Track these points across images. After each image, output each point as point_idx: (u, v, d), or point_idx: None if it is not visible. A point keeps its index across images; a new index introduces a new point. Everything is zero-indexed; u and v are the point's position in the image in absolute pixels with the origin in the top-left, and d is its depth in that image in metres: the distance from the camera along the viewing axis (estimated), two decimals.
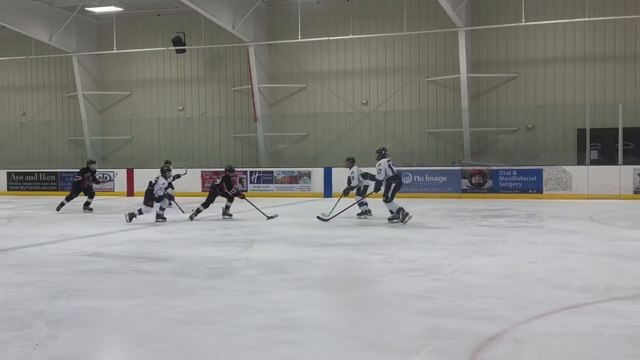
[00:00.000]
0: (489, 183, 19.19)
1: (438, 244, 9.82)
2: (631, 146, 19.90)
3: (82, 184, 16.37)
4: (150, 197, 13.31)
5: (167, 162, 15.73)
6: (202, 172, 22.05)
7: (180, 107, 25.75)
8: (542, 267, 7.73)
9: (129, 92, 26.36)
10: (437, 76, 22.44)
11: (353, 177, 13.67)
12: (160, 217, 13.47)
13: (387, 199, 12.52)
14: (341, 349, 4.60)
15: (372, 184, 13.29)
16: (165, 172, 13.74)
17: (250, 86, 23.84)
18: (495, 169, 19.46)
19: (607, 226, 12.18)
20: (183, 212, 14.10)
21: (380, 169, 12.53)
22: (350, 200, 13.84)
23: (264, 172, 21.42)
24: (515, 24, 20.66)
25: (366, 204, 13.80)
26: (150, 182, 13.53)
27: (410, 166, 20.70)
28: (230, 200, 14.02)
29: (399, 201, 12.72)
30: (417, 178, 19.68)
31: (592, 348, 4.55)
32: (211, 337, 4.93)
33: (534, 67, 21.70)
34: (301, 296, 6.38)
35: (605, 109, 19.99)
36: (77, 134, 26.45)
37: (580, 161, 19.94)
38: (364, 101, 23.46)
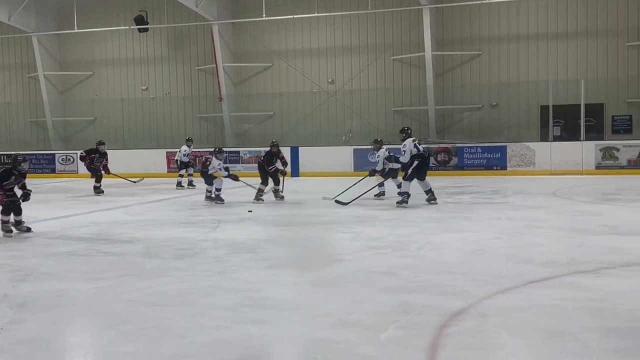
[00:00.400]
0: (454, 160, 19.36)
1: (404, 221, 9.90)
2: (593, 122, 20.24)
3: (84, 162, 15.80)
4: (208, 177, 13.11)
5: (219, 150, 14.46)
6: (167, 152, 21.87)
7: (144, 87, 25.43)
8: (507, 243, 7.85)
9: (91, 72, 25.93)
10: (402, 54, 22.47)
11: (378, 160, 12.93)
12: (218, 199, 12.94)
13: (406, 176, 11.71)
14: (310, 327, 4.63)
15: (398, 166, 12.55)
16: (217, 154, 13.31)
17: (214, 65, 23.62)
18: (460, 146, 19.64)
19: (569, 201, 12.39)
20: (255, 192, 12.90)
21: (404, 150, 11.69)
22: (373, 181, 13.08)
23: (230, 152, 21.29)
24: (479, 2, 20.76)
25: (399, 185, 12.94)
26: (204, 162, 13.39)
27: None
28: (276, 181, 13.34)
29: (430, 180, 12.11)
30: None
31: (556, 321, 4.65)
32: (180, 317, 4.92)
33: (498, 45, 21.85)
34: (270, 275, 6.40)
35: (568, 85, 20.26)
36: (39, 115, 25.98)
37: (544, 137, 20.20)
38: (329, 80, 23.42)
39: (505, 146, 19.13)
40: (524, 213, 10.52)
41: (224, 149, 13.80)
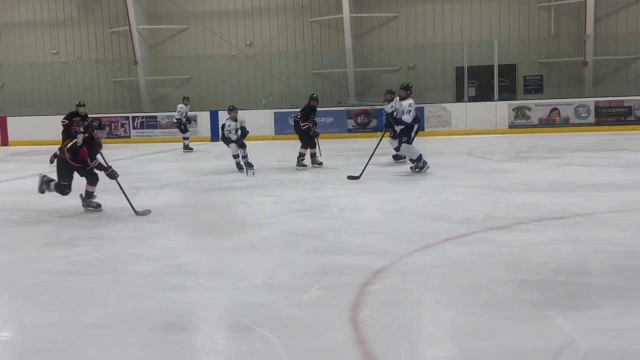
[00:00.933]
0: (374, 122, 19.56)
1: (326, 184, 9.97)
2: (506, 82, 20.78)
3: (70, 130, 14.41)
4: (226, 140, 11.99)
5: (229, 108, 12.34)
6: None
7: (54, 51, 24.46)
8: (425, 202, 8.04)
9: None
10: (321, 16, 22.39)
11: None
12: (238, 167, 11.80)
13: (410, 140, 10.70)
14: (234, 291, 4.64)
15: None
16: (228, 113, 12.05)
17: (128, 27, 22.92)
18: (379, 108, 19.80)
19: (484, 160, 12.74)
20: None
21: (410, 110, 10.49)
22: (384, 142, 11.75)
23: (147, 117, 20.85)
24: None
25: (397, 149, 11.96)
26: (222, 126, 12.12)
27: (297, 107, 20.71)
28: (312, 144, 11.99)
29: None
30: None
31: (473, 276, 4.81)
32: (100, 286, 4.83)
33: (414, 7, 22.04)
34: (192, 241, 6.35)
35: (482, 46, 20.69)
36: None
37: (459, 98, 20.64)
38: (248, 42, 23.13)
39: (423, 107, 19.43)
40: (441, 172, 10.76)
41: (234, 107, 12.19)
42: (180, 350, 3.68)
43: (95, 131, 7.93)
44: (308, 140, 12.01)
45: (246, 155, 11.78)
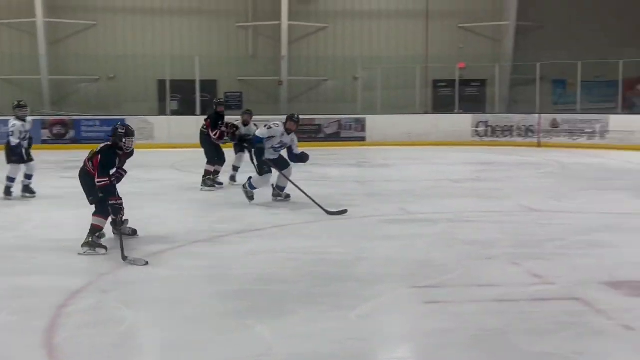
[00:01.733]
0: (72, 133, 18.63)
1: (17, 199, 9.22)
2: (207, 97, 21.19)
3: None
4: (12, 153, 8.89)
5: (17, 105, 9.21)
6: None
7: None
8: (126, 217, 7.84)
9: None
10: (10, 19, 20.74)
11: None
12: (7, 192, 8.89)
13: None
14: None
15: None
16: (14, 110, 9.04)
17: None
18: (77, 119, 18.96)
19: (188, 174, 12.82)
20: None
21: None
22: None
23: None
24: None
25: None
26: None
27: None
28: (219, 158, 10.01)
29: None
30: None
31: (174, 290, 4.83)
32: None
33: (113, 16, 21.52)
34: None
35: (184, 61, 20.87)
36: None
37: (162, 111, 20.59)
38: None
39: (124, 119, 19.00)
40: (144, 187, 10.57)
41: (24, 102, 9.27)
42: None
43: (124, 139, 6.33)
44: (217, 153, 10.34)
45: (31, 175, 9.17)
